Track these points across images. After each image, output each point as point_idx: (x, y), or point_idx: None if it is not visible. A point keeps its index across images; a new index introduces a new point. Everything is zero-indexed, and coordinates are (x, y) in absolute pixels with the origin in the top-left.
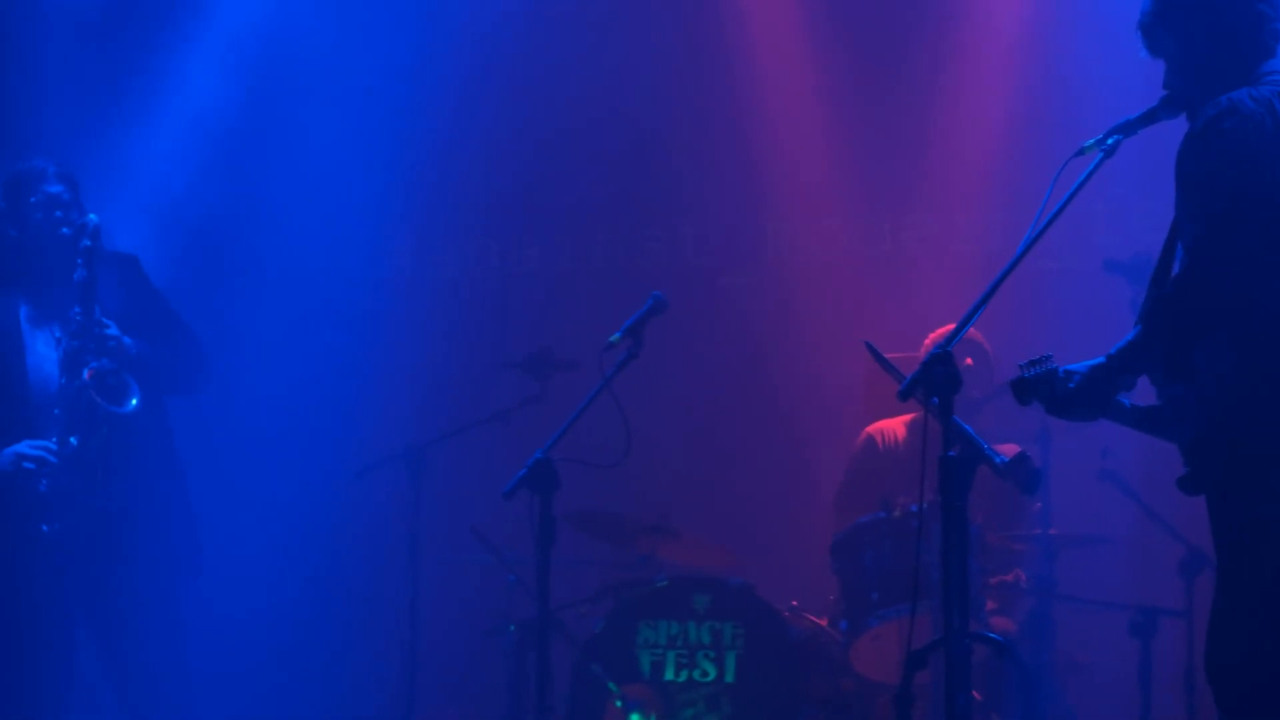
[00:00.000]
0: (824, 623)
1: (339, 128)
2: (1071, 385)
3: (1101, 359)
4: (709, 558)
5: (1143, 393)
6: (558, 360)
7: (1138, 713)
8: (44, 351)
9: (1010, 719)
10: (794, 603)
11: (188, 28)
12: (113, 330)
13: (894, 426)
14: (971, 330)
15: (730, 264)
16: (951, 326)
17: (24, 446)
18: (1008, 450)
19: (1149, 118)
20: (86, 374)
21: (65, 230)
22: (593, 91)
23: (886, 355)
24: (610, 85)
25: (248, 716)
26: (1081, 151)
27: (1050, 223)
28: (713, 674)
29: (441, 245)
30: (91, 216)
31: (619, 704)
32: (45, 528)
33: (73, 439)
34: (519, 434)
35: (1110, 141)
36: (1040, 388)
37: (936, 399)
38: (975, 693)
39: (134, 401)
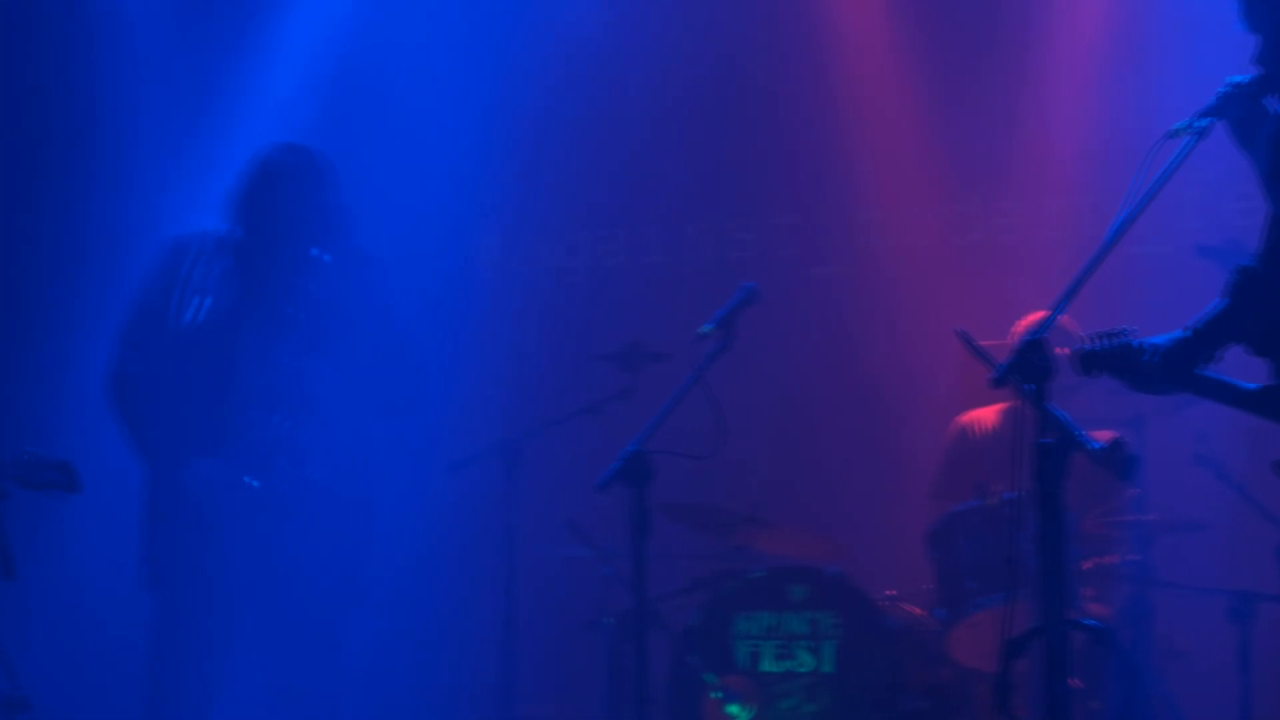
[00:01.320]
0: (920, 611)
1: (428, 121)
2: (1154, 359)
3: (1182, 332)
4: (804, 548)
5: (1236, 369)
6: (649, 352)
7: (1237, 698)
8: (255, 353)
9: (1109, 706)
10: (890, 592)
11: (273, 23)
12: (315, 375)
13: (986, 415)
14: (1061, 317)
15: (821, 254)
16: (1043, 313)
17: (210, 472)
18: (1102, 436)
19: None
20: (274, 429)
21: (299, 248)
22: (683, 82)
23: (979, 342)
24: (700, 76)
25: (345, 709)
26: (1172, 134)
27: (1141, 208)
28: (810, 664)
29: (532, 239)
30: (326, 257)
31: (716, 695)
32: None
33: (255, 482)
34: (611, 426)
35: (1202, 124)
36: (1112, 360)
37: (1030, 386)
38: (1074, 680)
39: (312, 472)
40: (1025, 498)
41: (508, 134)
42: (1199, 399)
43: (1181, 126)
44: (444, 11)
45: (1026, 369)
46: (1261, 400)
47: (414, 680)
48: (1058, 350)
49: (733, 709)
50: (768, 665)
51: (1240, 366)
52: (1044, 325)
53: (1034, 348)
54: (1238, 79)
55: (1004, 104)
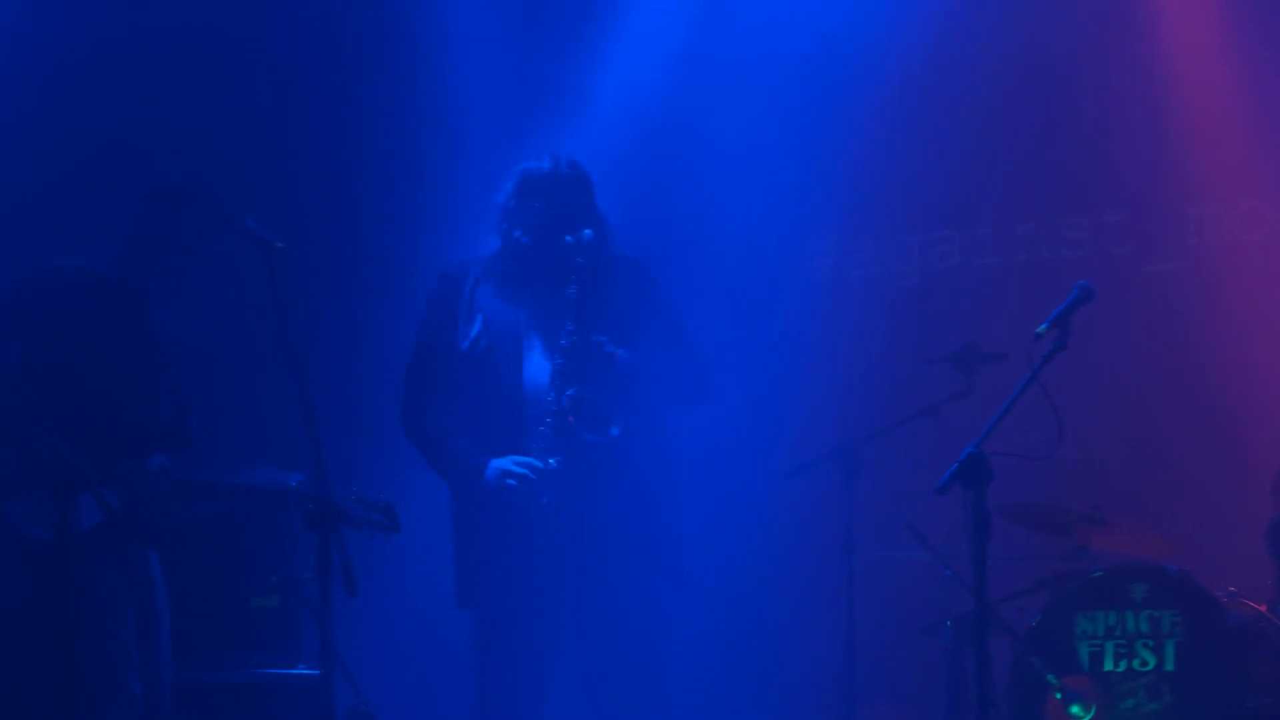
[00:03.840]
0: (1264, 608)
1: (762, 126)
2: None
3: None
4: (1144, 546)
5: None
6: (985, 353)
7: None
8: (540, 361)
9: None
10: (1231, 588)
11: (603, 30)
12: (607, 347)
13: None
14: None
15: (1154, 250)
16: None
17: (509, 463)
18: None
19: None
20: (566, 400)
21: (569, 239)
22: (1010, 82)
23: None
24: (1027, 74)
25: (686, 715)
26: None
27: None
28: (1152, 663)
29: (866, 243)
30: (587, 231)
31: (1059, 696)
32: (534, 539)
33: (552, 460)
34: (948, 429)
35: None
36: None
37: None
38: None
39: (614, 431)
40: None
41: (842, 140)
42: None
43: None
44: (779, 17)
45: None
46: None
47: (755, 685)
48: None
49: (1075, 709)
50: (1109, 665)
51: None
52: None
53: None
54: None
55: None
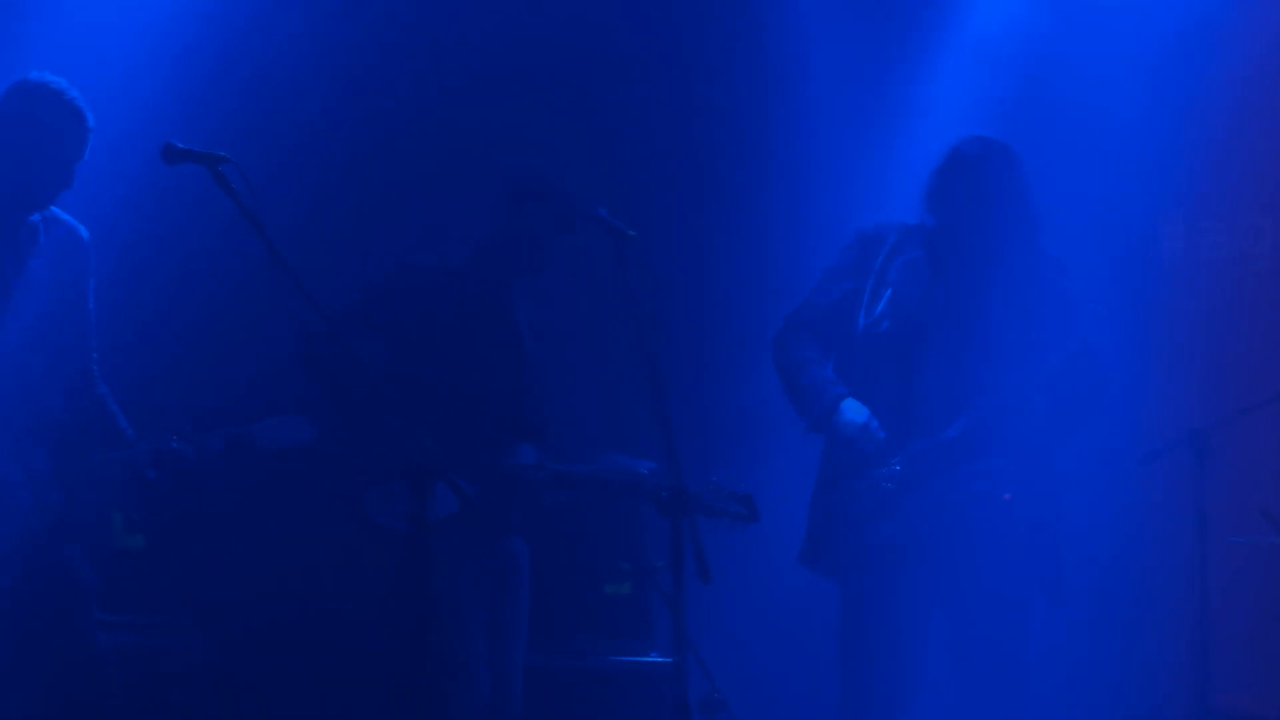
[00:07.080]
0: None
1: (1114, 107)
2: None
3: None
4: None
5: None
6: None
7: None
8: (939, 357)
9: None
10: None
11: (948, 14)
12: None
13: None
14: None
15: None
16: None
17: (868, 418)
18: None
19: None
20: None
21: (988, 228)
22: None
23: None
24: None
25: (1037, 700)
26: None
27: None
28: None
29: (1217, 227)
30: None
31: None
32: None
33: (897, 465)
34: None
35: None
36: None
37: None
38: None
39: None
40: None
41: (1194, 120)
42: None
43: None
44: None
45: None
46: None
47: (1107, 672)
48: None
49: None
50: None
51: None
52: None
53: None
54: None
55: None
